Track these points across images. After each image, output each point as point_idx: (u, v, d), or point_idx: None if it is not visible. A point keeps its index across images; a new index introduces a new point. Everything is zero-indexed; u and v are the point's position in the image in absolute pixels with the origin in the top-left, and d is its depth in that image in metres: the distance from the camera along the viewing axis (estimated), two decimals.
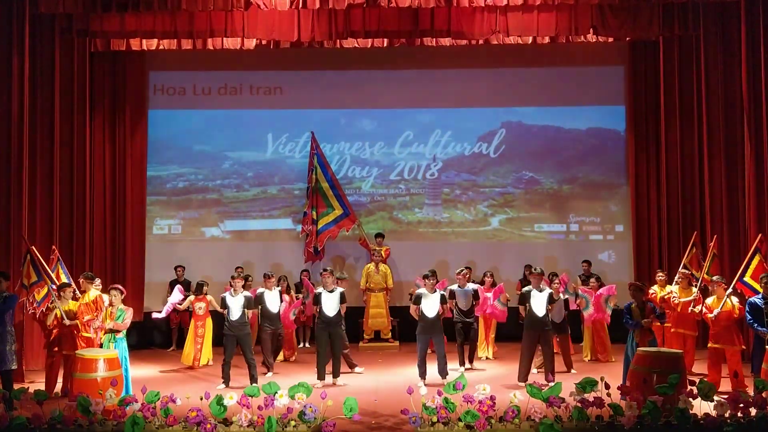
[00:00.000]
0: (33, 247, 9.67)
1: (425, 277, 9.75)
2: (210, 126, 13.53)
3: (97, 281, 10.16)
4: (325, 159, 12.98)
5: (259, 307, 10.38)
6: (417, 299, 9.65)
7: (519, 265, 12.58)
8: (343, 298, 9.69)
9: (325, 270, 10.01)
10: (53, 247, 10.23)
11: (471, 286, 10.72)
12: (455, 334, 10.65)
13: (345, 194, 13.00)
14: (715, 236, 10.59)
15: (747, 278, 8.91)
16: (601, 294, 10.98)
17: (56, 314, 9.14)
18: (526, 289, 9.62)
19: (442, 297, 9.68)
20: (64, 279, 9.90)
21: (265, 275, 10.45)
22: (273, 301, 10.41)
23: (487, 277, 11.49)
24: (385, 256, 12.72)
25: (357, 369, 10.33)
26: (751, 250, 9.06)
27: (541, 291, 9.46)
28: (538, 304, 9.37)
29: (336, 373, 9.54)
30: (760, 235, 9.44)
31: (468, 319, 10.55)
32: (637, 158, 12.90)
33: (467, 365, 10.49)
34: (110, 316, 8.42)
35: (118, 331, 8.48)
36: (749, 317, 8.25)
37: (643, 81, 12.90)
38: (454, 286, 10.65)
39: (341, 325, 9.75)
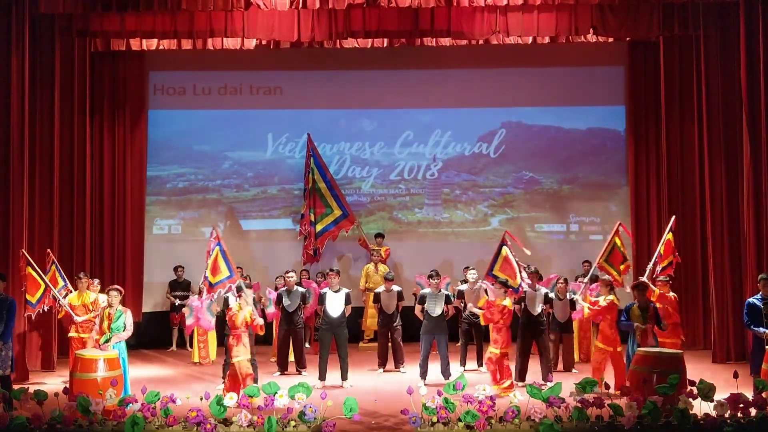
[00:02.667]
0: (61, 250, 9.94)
1: (430, 277, 9.78)
2: (210, 126, 13.53)
3: (95, 282, 10.17)
4: (322, 160, 12.97)
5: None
6: (422, 299, 9.68)
7: None
8: (348, 299, 9.69)
9: (331, 270, 10.02)
10: (47, 250, 10.20)
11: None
12: (459, 334, 10.67)
13: (343, 195, 13.00)
14: (672, 217, 10.50)
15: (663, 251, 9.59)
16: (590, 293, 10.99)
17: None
18: None
19: (447, 297, 9.70)
20: (60, 282, 9.86)
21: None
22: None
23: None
24: (385, 257, 12.72)
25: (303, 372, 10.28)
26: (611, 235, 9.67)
27: (536, 290, 9.47)
28: (534, 303, 9.38)
29: (344, 375, 9.54)
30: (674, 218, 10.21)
31: (476, 320, 10.55)
32: (637, 158, 12.90)
33: (476, 366, 10.49)
34: (108, 318, 8.38)
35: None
36: (746, 318, 8.24)
37: (643, 81, 12.90)
38: (464, 286, 10.65)
39: (345, 325, 9.75)
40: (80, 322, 9.69)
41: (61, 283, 9.87)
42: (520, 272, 9.11)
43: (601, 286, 9.29)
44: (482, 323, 9.65)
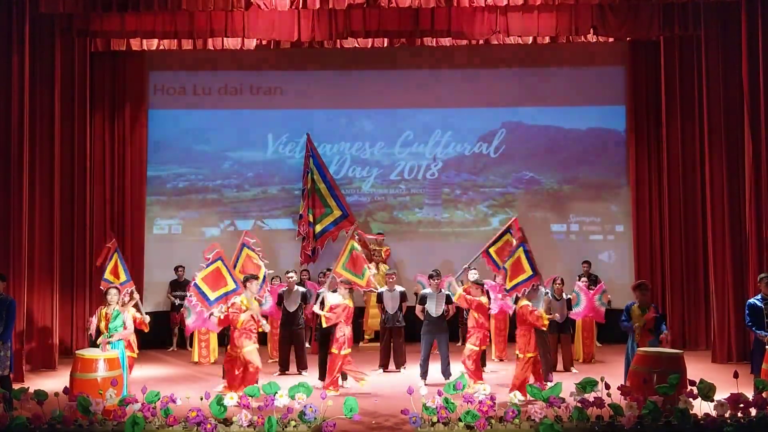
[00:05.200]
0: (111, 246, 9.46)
1: (430, 277, 9.77)
2: (210, 126, 13.54)
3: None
4: (321, 160, 12.96)
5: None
6: (422, 299, 9.67)
7: None
8: None
9: (329, 269, 10.02)
10: (112, 235, 9.90)
11: None
12: (460, 335, 10.65)
13: (343, 195, 12.99)
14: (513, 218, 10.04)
15: (491, 250, 9.39)
16: (594, 294, 10.99)
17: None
18: None
19: (448, 297, 9.70)
20: (123, 276, 9.36)
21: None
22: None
23: (498, 278, 11.46)
24: (385, 257, 12.72)
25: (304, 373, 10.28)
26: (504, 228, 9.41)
27: (537, 290, 9.45)
28: (534, 303, 9.37)
29: (344, 375, 9.54)
30: (515, 217, 9.80)
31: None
32: (638, 158, 12.90)
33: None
34: (105, 318, 8.35)
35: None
36: (748, 320, 8.22)
37: (643, 81, 12.90)
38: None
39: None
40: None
41: (123, 277, 9.31)
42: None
43: (343, 290, 9.23)
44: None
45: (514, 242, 9.19)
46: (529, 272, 8.63)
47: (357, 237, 9.41)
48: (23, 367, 10.02)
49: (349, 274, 9.33)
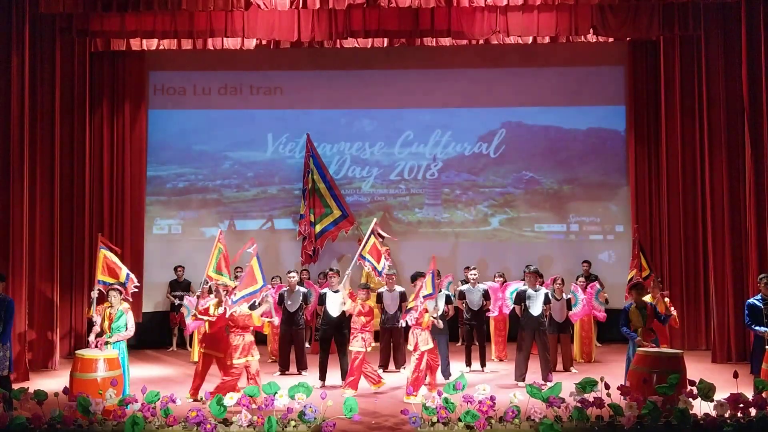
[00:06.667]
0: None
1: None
2: (210, 126, 13.54)
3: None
4: (321, 161, 12.99)
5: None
6: None
7: (519, 266, 12.57)
8: None
9: (331, 270, 10.04)
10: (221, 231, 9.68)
11: (481, 286, 10.72)
12: (462, 335, 10.66)
13: (342, 196, 13.01)
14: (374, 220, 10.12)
15: (365, 253, 9.53)
16: (590, 294, 11.00)
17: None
18: (522, 288, 9.66)
19: (448, 297, 9.71)
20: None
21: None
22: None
23: (497, 278, 11.48)
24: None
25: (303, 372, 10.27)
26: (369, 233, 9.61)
27: (536, 291, 9.48)
28: (534, 303, 9.39)
29: (344, 375, 9.53)
30: (375, 220, 10.11)
31: (478, 320, 10.58)
32: (637, 158, 12.90)
33: (479, 368, 10.48)
34: (109, 318, 8.37)
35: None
36: (747, 319, 8.24)
37: (643, 81, 12.90)
38: (465, 287, 10.67)
39: (345, 325, 9.76)
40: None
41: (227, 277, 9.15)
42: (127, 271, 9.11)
43: (222, 293, 9.09)
44: None
45: (379, 246, 9.72)
46: (647, 270, 9.80)
47: (220, 240, 9.44)
48: (23, 367, 10.01)
49: (223, 277, 9.22)
